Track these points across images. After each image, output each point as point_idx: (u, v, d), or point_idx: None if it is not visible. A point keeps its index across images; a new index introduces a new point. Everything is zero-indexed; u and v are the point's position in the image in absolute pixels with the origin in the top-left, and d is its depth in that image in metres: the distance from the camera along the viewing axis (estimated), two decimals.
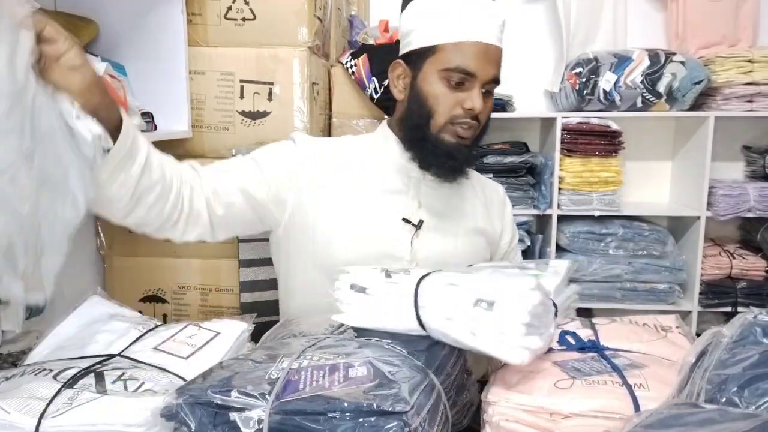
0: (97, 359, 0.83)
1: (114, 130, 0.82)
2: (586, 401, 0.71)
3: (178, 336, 0.91)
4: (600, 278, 2.42)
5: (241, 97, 1.63)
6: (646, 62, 2.28)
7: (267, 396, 0.64)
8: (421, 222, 1.12)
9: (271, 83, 1.62)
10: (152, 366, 0.82)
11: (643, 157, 2.64)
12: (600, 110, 2.37)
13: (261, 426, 0.63)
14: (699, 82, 2.27)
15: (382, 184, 1.13)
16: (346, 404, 0.62)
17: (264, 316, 1.15)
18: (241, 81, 1.62)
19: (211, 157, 1.66)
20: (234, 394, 0.65)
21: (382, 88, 1.89)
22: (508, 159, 2.39)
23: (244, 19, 1.62)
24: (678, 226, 2.56)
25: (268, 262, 1.52)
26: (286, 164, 1.11)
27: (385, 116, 1.91)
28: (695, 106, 2.38)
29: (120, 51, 1.50)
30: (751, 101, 2.32)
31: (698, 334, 0.76)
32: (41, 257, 0.72)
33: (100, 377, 0.77)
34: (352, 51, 2.00)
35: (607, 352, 0.83)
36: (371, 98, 1.94)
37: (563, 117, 2.35)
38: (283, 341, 0.85)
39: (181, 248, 1.60)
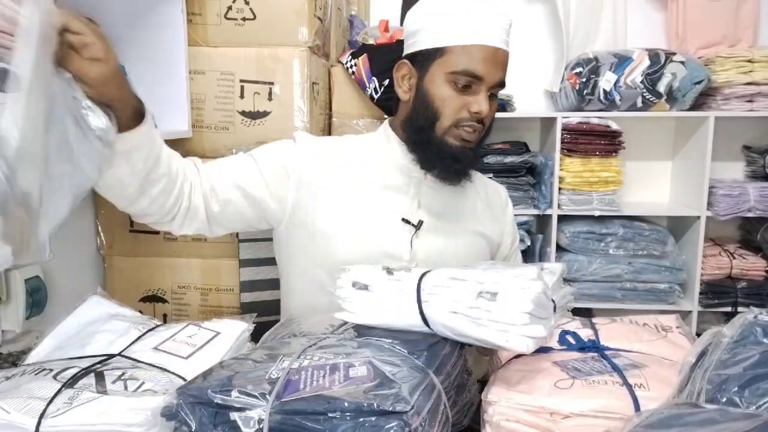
0: (97, 359, 0.83)
1: (131, 119, 0.88)
2: (586, 401, 0.71)
3: (178, 336, 0.91)
4: (600, 278, 2.42)
5: (241, 96, 1.63)
6: (647, 62, 2.28)
7: (267, 396, 0.64)
8: (420, 222, 1.11)
9: (271, 83, 1.62)
10: (152, 366, 0.82)
11: (643, 157, 2.64)
12: (600, 110, 2.36)
13: (261, 426, 0.63)
14: (699, 82, 2.27)
15: (383, 184, 1.13)
16: (346, 404, 0.62)
17: (264, 316, 1.15)
18: (241, 81, 1.62)
19: (211, 157, 1.66)
20: (234, 393, 0.65)
21: (383, 88, 1.89)
22: (509, 159, 2.39)
23: (244, 19, 1.62)
24: (678, 226, 2.56)
25: (268, 261, 1.52)
26: (285, 162, 1.11)
27: (386, 116, 1.91)
28: (695, 106, 2.38)
29: (120, 51, 1.50)
30: (752, 101, 2.32)
31: (698, 334, 0.76)
32: (40, 219, 0.80)
33: (100, 377, 0.77)
34: (352, 51, 2.00)
35: (607, 352, 0.83)
36: (371, 98, 1.94)
37: (563, 117, 2.35)
38: (283, 341, 0.85)
39: (182, 248, 1.60)
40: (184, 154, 1.64)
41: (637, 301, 2.44)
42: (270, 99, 1.62)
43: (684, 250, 2.46)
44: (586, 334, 0.89)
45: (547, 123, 2.51)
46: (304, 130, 1.64)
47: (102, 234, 1.68)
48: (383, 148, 1.16)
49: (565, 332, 0.89)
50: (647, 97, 2.30)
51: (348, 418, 0.62)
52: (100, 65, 0.80)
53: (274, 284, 1.35)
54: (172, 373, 0.81)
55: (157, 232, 1.58)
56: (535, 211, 2.43)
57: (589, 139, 2.37)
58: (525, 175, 2.43)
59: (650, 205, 2.59)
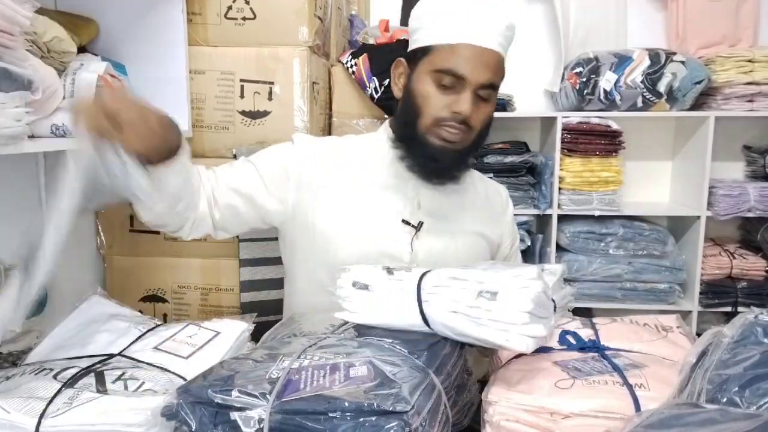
0: (97, 359, 0.83)
1: (171, 152, 0.92)
2: (586, 401, 0.71)
3: (178, 336, 0.91)
4: (600, 278, 2.42)
5: (242, 96, 1.63)
6: (647, 62, 2.28)
7: (267, 395, 0.64)
8: (420, 224, 1.11)
9: (272, 83, 1.62)
10: (152, 366, 0.82)
11: (644, 157, 2.64)
12: (600, 110, 2.36)
13: (261, 425, 0.63)
14: (699, 82, 2.27)
15: (382, 184, 1.13)
16: (346, 404, 0.62)
17: (264, 315, 1.15)
18: (242, 80, 1.62)
19: (211, 157, 1.66)
20: (234, 393, 0.65)
21: (383, 88, 1.89)
22: (509, 159, 2.39)
23: (244, 19, 1.62)
24: (678, 226, 2.56)
25: (268, 261, 1.52)
26: (284, 164, 1.11)
27: (386, 116, 1.91)
28: (695, 106, 2.37)
29: (120, 51, 1.50)
30: (752, 101, 2.32)
31: (698, 334, 0.76)
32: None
33: (100, 377, 0.77)
34: (352, 50, 2.00)
35: (607, 352, 0.83)
36: (371, 98, 1.94)
37: (563, 117, 2.35)
38: (283, 340, 0.85)
39: (181, 248, 1.60)
40: None
41: (637, 301, 2.44)
42: (270, 99, 1.62)
43: (684, 250, 2.46)
44: (586, 334, 0.89)
45: (547, 123, 2.51)
46: (304, 130, 1.64)
47: (102, 234, 1.68)
48: (382, 148, 1.15)
49: (565, 332, 0.89)
50: (647, 96, 2.30)
51: (348, 418, 0.62)
52: (143, 135, 0.83)
53: (274, 284, 1.35)
54: (172, 372, 0.81)
55: (157, 232, 1.58)
56: (535, 211, 2.43)
57: (589, 139, 2.37)
58: (525, 175, 2.43)
59: (650, 205, 2.59)
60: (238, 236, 1.54)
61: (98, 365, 0.81)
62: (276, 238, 1.23)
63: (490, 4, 1.04)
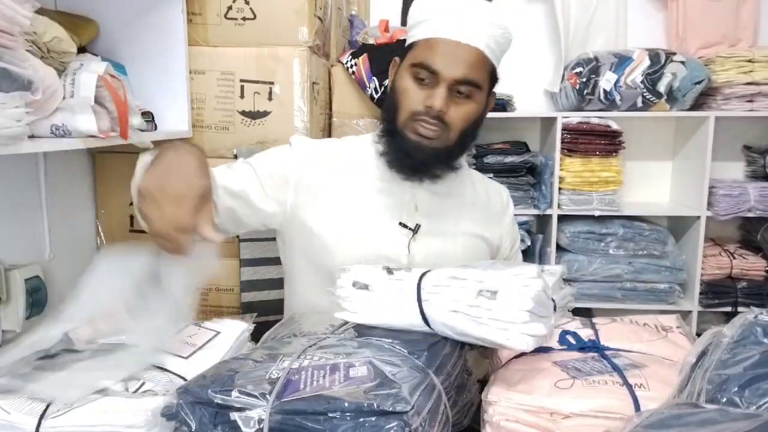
0: None
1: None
2: (586, 401, 0.71)
3: (178, 335, 0.91)
4: (600, 278, 2.42)
5: (242, 96, 1.63)
6: (647, 62, 2.28)
7: (267, 396, 0.64)
8: (418, 226, 1.11)
9: (272, 83, 1.62)
10: (153, 365, 0.82)
11: (643, 157, 2.64)
12: (600, 110, 2.36)
13: (261, 426, 0.63)
14: (699, 82, 2.27)
15: (380, 187, 1.12)
16: (346, 404, 0.62)
17: (264, 315, 1.15)
18: (242, 81, 1.62)
19: (212, 157, 1.66)
20: (234, 393, 0.65)
21: (383, 88, 1.89)
22: (509, 159, 2.39)
23: (244, 19, 1.62)
24: (678, 226, 2.56)
25: (268, 261, 1.52)
26: (283, 167, 1.11)
27: None
28: (695, 106, 2.37)
29: (120, 51, 1.50)
30: (752, 101, 2.31)
31: (698, 334, 0.76)
32: None
33: None
34: (352, 51, 2.01)
35: (607, 352, 0.83)
36: (371, 98, 1.94)
37: (563, 117, 2.35)
38: (283, 341, 0.85)
39: None
40: None
41: (637, 301, 2.44)
42: (270, 99, 1.62)
43: (684, 250, 2.46)
44: (586, 334, 0.88)
45: (547, 123, 2.51)
46: (304, 130, 1.64)
47: (102, 234, 1.68)
48: (378, 148, 1.15)
49: (565, 332, 0.89)
50: (647, 97, 2.30)
51: (348, 418, 0.62)
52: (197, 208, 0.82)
53: (274, 284, 1.35)
54: (173, 372, 0.81)
55: None
56: (535, 211, 2.43)
57: (589, 139, 2.37)
58: (525, 175, 2.43)
59: (650, 205, 2.59)
60: (238, 236, 1.54)
61: None
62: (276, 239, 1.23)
63: (472, 1, 1.04)
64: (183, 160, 0.86)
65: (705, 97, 2.39)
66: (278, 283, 1.26)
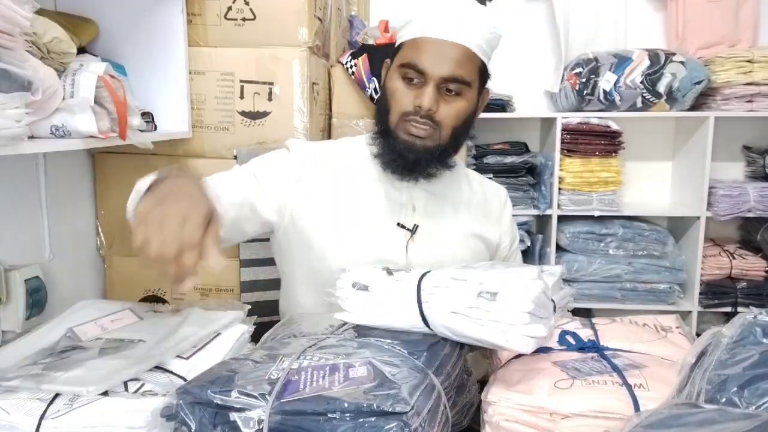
0: None
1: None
2: (586, 401, 0.71)
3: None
4: (600, 278, 2.42)
5: (241, 97, 1.63)
6: (646, 62, 2.28)
7: (267, 396, 0.64)
8: (416, 227, 1.11)
9: (271, 83, 1.62)
10: (153, 366, 0.82)
11: (643, 157, 2.64)
12: (600, 110, 2.36)
13: (261, 426, 0.63)
14: (699, 82, 2.27)
15: (377, 188, 1.12)
16: (346, 404, 0.62)
17: (264, 316, 1.15)
18: (241, 81, 1.62)
19: (211, 158, 1.66)
20: (234, 394, 0.65)
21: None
22: (508, 159, 2.39)
23: (244, 19, 1.62)
24: (678, 226, 2.56)
25: (268, 262, 1.52)
26: (282, 173, 1.10)
27: None
28: (695, 106, 2.38)
29: (120, 51, 1.50)
30: (751, 101, 2.32)
31: (698, 334, 0.76)
32: None
33: None
34: (352, 51, 2.00)
35: (607, 352, 0.83)
36: (371, 98, 1.94)
37: (563, 117, 2.35)
38: (283, 341, 0.85)
39: None
40: (184, 155, 1.65)
41: (637, 301, 2.44)
42: (270, 99, 1.62)
43: (684, 251, 2.46)
44: (585, 334, 0.88)
45: (547, 123, 2.51)
46: (304, 131, 1.64)
47: (102, 234, 1.68)
48: (372, 149, 1.15)
49: (564, 332, 0.89)
50: (647, 97, 2.30)
51: (348, 418, 0.62)
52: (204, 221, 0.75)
53: (275, 284, 1.35)
54: (173, 373, 0.81)
55: None
56: (535, 212, 2.43)
57: (589, 140, 2.37)
58: (525, 175, 2.43)
59: (650, 205, 2.59)
60: None
61: None
62: None
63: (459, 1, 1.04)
64: (182, 183, 0.81)
65: (705, 98, 2.39)
66: (278, 284, 1.26)
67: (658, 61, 2.28)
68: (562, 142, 2.35)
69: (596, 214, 2.40)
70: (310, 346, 0.77)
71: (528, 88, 2.59)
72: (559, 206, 2.40)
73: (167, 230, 0.70)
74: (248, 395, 0.65)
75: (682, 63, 2.28)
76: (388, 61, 1.12)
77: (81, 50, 1.29)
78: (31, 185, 1.39)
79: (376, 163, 1.12)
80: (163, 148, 1.63)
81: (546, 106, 2.65)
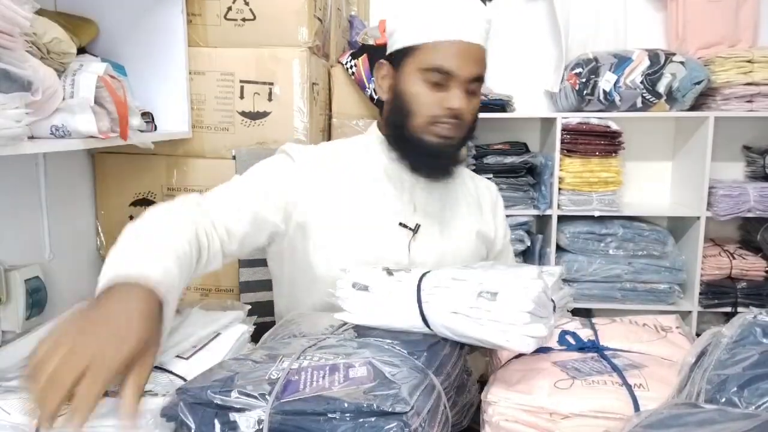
0: None
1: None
2: (585, 401, 0.71)
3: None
4: (600, 278, 2.42)
5: (241, 97, 1.63)
6: (646, 62, 2.28)
7: (267, 396, 0.64)
8: (418, 226, 1.11)
9: (271, 83, 1.62)
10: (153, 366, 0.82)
11: (643, 157, 2.64)
12: (600, 110, 2.36)
13: (261, 426, 0.63)
14: (699, 83, 2.27)
15: (378, 189, 1.12)
16: (346, 404, 0.62)
17: (264, 316, 1.15)
18: (241, 81, 1.63)
19: (211, 158, 1.66)
20: (234, 394, 0.65)
21: None
22: (508, 159, 2.39)
23: (244, 20, 1.62)
24: (678, 226, 2.56)
25: (266, 263, 1.52)
26: (285, 181, 1.09)
27: None
28: (695, 106, 2.38)
29: (120, 51, 1.50)
30: (751, 101, 2.32)
31: (698, 334, 0.76)
32: None
33: None
34: (352, 51, 2.01)
35: (606, 352, 0.83)
36: (371, 98, 1.94)
37: (563, 117, 2.35)
38: (283, 341, 0.85)
39: None
40: (184, 155, 1.66)
41: (637, 301, 2.44)
42: (270, 99, 1.63)
43: (684, 251, 2.46)
44: (585, 334, 0.89)
45: (547, 123, 2.51)
46: (304, 131, 1.64)
47: (102, 234, 1.68)
48: (374, 150, 1.15)
49: (564, 332, 0.89)
50: (647, 97, 2.30)
51: (348, 418, 0.62)
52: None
53: None
54: (173, 373, 0.81)
55: None
56: (535, 212, 2.43)
57: (588, 140, 2.37)
58: (525, 175, 2.43)
59: (650, 205, 2.59)
60: None
61: None
62: None
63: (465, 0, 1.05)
64: (126, 309, 0.69)
65: (704, 98, 2.39)
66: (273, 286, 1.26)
67: (658, 61, 2.28)
68: (562, 142, 2.35)
69: (596, 214, 2.40)
70: (310, 346, 0.77)
71: (528, 88, 2.59)
72: (559, 206, 2.40)
73: (63, 371, 0.61)
74: (248, 395, 0.65)
75: (682, 63, 2.28)
76: (384, 62, 1.12)
77: (81, 50, 1.30)
78: (31, 185, 1.39)
79: (376, 164, 1.13)
80: (163, 148, 1.63)
81: (546, 106, 2.65)
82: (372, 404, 0.61)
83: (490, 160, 2.38)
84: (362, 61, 1.94)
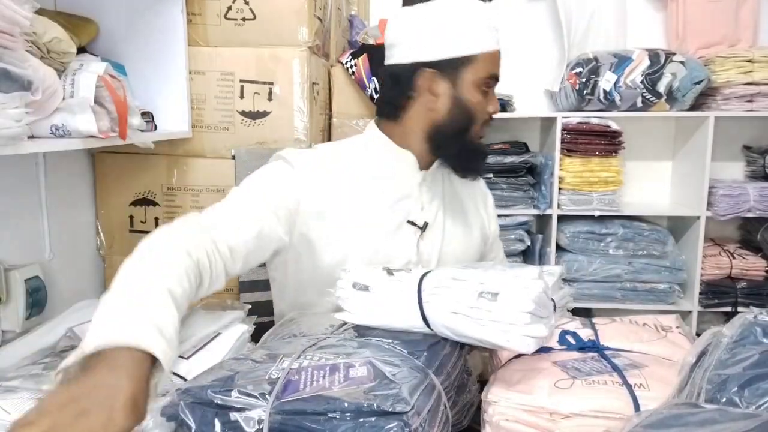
0: None
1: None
2: (586, 401, 0.71)
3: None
4: (600, 278, 2.42)
5: (241, 97, 1.63)
6: (646, 62, 2.28)
7: (267, 396, 0.64)
8: (426, 224, 1.12)
9: (271, 83, 1.62)
10: None
11: (643, 157, 2.64)
12: (600, 110, 2.36)
13: (261, 426, 0.63)
14: (699, 82, 2.27)
15: (384, 189, 1.12)
16: (346, 404, 0.62)
17: (264, 316, 1.15)
18: (241, 81, 1.63)
19: (211, 157, 1.66)
20: (234, 394, 0.65)
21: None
22: (508, 159, 2.39)
23: (244, 19, 1.62)
24: (678, 226, 2.56)
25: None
26: (287, 191, 1.07)
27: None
28: (695, 106, 2.38)
29: (120, 51, 1.50)
30: (751, 101, 2.32)
31: (698, 334, 0.76)
32: None
33: None
34: (352, 51, 2.01)
35: (607, 352, 0.83)
36: (371, 98, 1.94)
37: (563, 117, 2.35)
38: (283, 341, 0.85)
39: None
40: (184, 155, 1.66)
41: (637, 301, 2.44)
42: (270, 99, 1.62)
43: (684, 250, 2.46)
44: (585, 334, 0.89)
45: (547, 123, 2.51)
46: (304, 131, 1.64)
47: (102, 234, 1.68)
48: (375, 149, 1.15)
49: (564, 332, 0.89)
50: (647, 97, 2.30)
51: (348, 418, 0.62)
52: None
53: None
54: (173, 373, 0.81)
55: None
56: (535, 211, 2.43)
57: (589, 139, 2.37)
58: (525, 175, 2.43)
59: (650, 205, 2.59)
60: None
61: None
62: None
63: (487, 6, 1.10)
64: (116, 383, 0.63)
65: (705, 97, 2.39)
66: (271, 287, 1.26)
67: (658, 61, 2.28)
68: (562, 142, 2.35)
69: (596, 214, 2.40)
70: (310, 346, 0.77)
71: (528, 87, 2.59)
72: (559, 206, 2.40)
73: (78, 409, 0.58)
74: (248, 395, 0.65)
75: (682, 63, 2.28)
76: (433, 71, 1.07)
77: (81, 50, 1.30)
78: (31, 185, 1.39)
79: (378, 164, 1.13)
80: (163, 148, 1.63)
81: (546, 106, 2.65)
82: (372, 404, 0.61)
83: (490, 159, 2.37)
84: (362, 60, 1.94)
